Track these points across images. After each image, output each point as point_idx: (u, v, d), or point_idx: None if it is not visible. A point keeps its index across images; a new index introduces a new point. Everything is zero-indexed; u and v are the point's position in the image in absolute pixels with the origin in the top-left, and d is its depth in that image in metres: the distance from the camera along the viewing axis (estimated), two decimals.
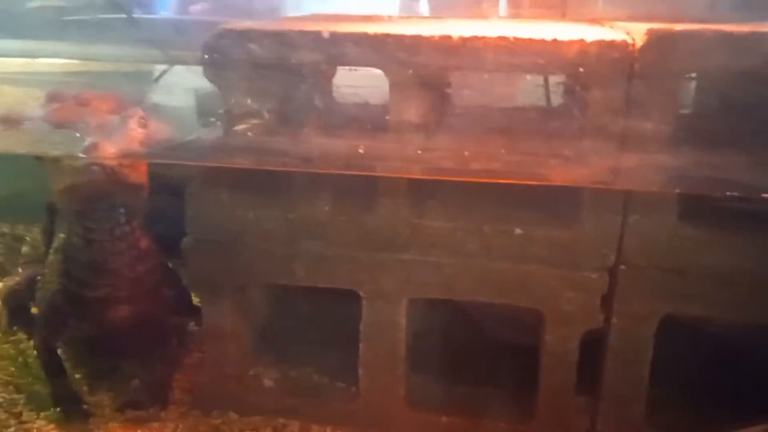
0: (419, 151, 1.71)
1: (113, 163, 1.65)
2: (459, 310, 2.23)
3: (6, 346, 2.49)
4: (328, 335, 2.37)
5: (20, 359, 2.35)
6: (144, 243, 2.01)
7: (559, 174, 1.71)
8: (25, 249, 2.90)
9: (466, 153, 1.80)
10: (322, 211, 2.05)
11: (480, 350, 2.33)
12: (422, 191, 2.02)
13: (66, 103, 2.15)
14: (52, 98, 2.19)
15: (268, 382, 2.28)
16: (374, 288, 2.05)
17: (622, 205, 1.89)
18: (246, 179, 2.07)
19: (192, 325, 2.34)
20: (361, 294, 2.07)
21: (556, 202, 2.00)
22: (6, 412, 2.17)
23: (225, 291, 2.13)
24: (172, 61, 2.67)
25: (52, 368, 2.16)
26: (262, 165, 1.80)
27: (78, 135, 1.71)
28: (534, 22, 2.33)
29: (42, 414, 2.15)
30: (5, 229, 3.08)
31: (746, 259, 1.86)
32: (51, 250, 2.27)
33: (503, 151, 1.81)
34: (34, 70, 2.83)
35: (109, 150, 1.62)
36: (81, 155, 1.61)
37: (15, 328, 2.59)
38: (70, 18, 3.06)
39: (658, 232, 1.89)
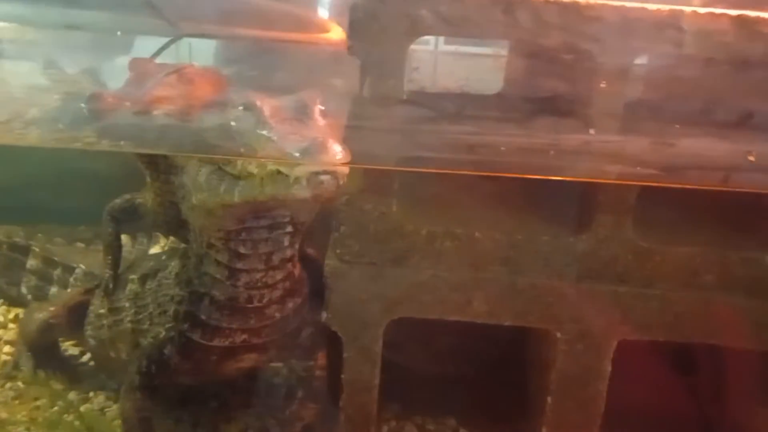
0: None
1: (345, 170, 1.18)
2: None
3: (42, 402, 1.83)
4: (489, 383, 1.95)
5: (70, 420, 1.75)
6: (298, 271, 1.50)
7: None
8: (31, 263, 2.32)
9: None
10: (518, 228, 1.61)
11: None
12: (649, 205, 1.60)
13: (166, 80, 1.68)
14: (141, 71, 1.64)
15: None
16: (577, 328, 1.64)
17: None
18: (418, 186, 1.64)
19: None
20: (559, 335, 1.65)
21: None
22: None
23: (377, 328, 1.64)
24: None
25: None
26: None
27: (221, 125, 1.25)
28: None
29: None
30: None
31: None
32: (133, 278, 1.71)
33: None
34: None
35: (341, 154, 1.14)
36: (300, 160, 1.14)
37: (43, 374, 1.96)
38: None
39: None
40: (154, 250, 2.51)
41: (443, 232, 1.60)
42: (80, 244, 2.50)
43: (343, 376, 1.70)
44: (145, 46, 2.17)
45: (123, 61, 1.87)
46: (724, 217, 1.63)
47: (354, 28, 1.49)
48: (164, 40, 2.25)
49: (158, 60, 2.14)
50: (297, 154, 1.14)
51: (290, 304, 1.50)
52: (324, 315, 1.66)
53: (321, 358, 1.85)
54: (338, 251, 1.62)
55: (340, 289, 1.63)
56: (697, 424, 1.78)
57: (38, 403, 1.84)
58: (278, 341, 1.54)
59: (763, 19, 1.21)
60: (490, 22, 1.41)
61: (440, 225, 1.61)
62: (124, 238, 2.56)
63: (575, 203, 1.58)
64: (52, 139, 1.65)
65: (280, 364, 1.73)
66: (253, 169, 1.20)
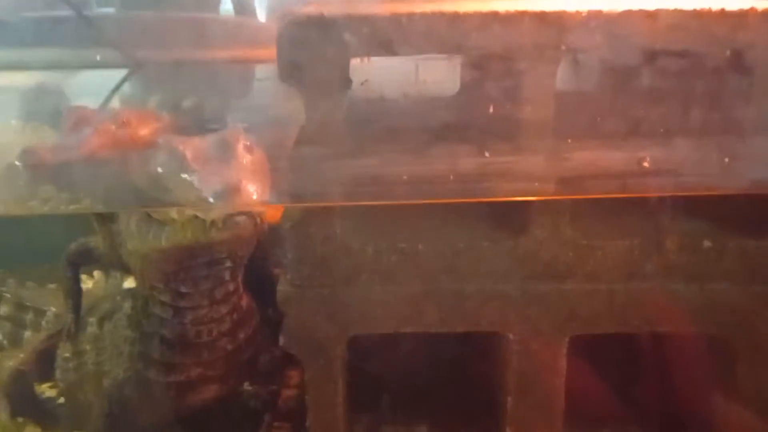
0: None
1: (261, 209, 1.22)
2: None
3: None
4: (451, 389, 1.97)
5: None
6: (245, 301, 1.55)
7: None
8: (4, 309, 2.34)
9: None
10: (459, 237, 1.64)
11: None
12: (583, 205, 1.63)
13: (103, 127, 1.69)
14: (76, 119, 1.61)
15: None
16: (528, 328, 1.68)
17: None
18: (361, 207, 1.67)
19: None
20: (511, 336, 1.69)
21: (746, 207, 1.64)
22: None
23: (334, 348, 1.67)
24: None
25: None
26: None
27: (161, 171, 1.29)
28: None
29: None
30: None
31: None
32: (92, 321, 1.74)
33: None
34: None
35: (255, 193, 1.17)
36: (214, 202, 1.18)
37: (21, 419, 1.98)
38: None
39: None
40: (128, 284, 2.55)
41: (388, 247, 1.63)
42: (51, 286, 2.54)
43: (306, 396, 1.75)
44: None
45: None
46: (656, 208, 1.66)
47: (281, 55, 1.50)
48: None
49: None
50: (211, 199, 1.18)
51: (241, 335, 1.54)
52: (281, 339, 1.71)
53: (292, 378, 1.90)
54: (289, 276, 1.64)
55: (294, 313, 1.65)
56: (654, 411, 1.82)
57: None
58: (235, 370, 1.58)
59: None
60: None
61: (385, 241, 1.64)
62: (97, 274, 2.62)
63: (513, 208, 1.62)
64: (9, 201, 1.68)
65: (246, 390, 1.76)
66: (174, 214, 1.24)
